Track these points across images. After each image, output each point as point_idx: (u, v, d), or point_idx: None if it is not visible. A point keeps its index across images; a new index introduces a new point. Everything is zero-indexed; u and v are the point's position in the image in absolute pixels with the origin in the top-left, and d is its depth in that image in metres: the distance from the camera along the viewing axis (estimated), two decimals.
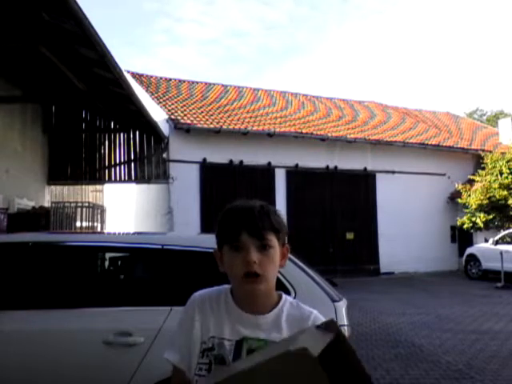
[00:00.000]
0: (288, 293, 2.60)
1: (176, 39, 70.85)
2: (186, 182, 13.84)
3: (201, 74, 72.84)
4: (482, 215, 15.52)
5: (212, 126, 14.24)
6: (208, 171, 14.20)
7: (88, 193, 17.34)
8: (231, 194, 14.07)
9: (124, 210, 18.57)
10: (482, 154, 16.95)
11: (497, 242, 13.44)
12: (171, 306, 2.48)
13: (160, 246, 2.89)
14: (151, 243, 2.99)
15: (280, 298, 1.23)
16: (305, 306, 1.24)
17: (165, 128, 13.74)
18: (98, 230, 12.56)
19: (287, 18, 69.14)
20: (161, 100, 15.45)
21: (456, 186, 16.54)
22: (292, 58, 72.26)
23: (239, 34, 70.38)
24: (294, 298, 2.59)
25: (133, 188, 17.00)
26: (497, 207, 15.42)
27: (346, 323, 2.57)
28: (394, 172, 16.64)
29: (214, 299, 1.23)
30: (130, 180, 14.12)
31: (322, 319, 1.17)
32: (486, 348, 5.91)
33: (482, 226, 15.56)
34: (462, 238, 17.17)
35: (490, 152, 16.90)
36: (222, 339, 1.16)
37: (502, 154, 16.15)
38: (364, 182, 16.36)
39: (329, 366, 0.87)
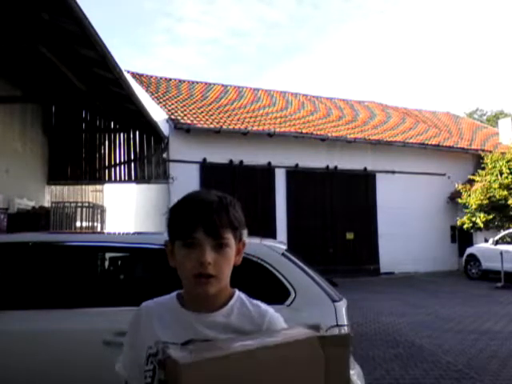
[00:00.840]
0: (288, 293, 2.60)
1: (176, 39, 70.95)
2: (186, 182, 13.81)
3: (201, 73, 72.94)
4: (482, 215, 15.52)
5: (212, 126, 14.25)
6: (208, 171, 14.19)
7: (88, 193, 17.33)
8: (231, 194, 14.00)
9: (124, 209, 18.58)
10: (482, 154, 16.95)
11: (497, 242, 13.43)
12: None
13: (160, 246, 2.89)
14: (151, 243, 2.99)
15: (232, 295, 1.15)
16: (261, 303, 1.17)
17: (165, 128, 13.74)
18: (98, 229, 12.56)
19: (288, 18, 69.22)
20: (161, 100, 15.45)
21: (456, 186, 16.54)
22: (292, 57, 72.34)
23: (240, 33, 70.48)
24: (295, 298, 2.59)
25: (133, 188, 17.01)
26: (497, 207, 15.42)
27: (345, 323, 2.57)
28: (394, 172, 16.64)
29: (160, 305, 1.17)
30: (130, 180, 14.12)
31: (277, 318, 1.14)
32: (486, 348, 5.91)
33: (481, 225, 15.56)
34: (462, 237, 17.17)
35: (490, 152, 16.91)
36: (166, 343, 1.05)
37: (502, 154, 16.15)
38: (364, 182, 16.36)
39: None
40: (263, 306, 1.17)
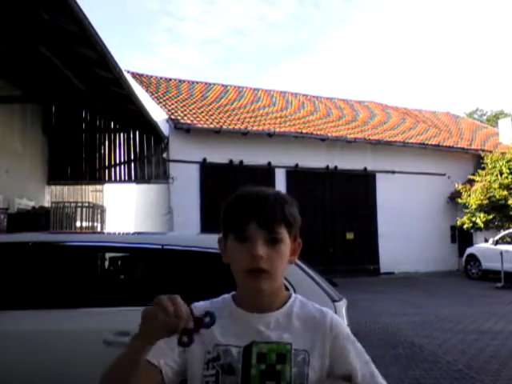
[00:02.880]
0: None
1: (178, 38, 70.94)
2: (186, 182, 13.84)
3: (202, 73, 72.93)
4: (482, 215, 15.52)
5: (212, 126, 14.24)
6: (208, 171, 14.19)
7: (88, 193, 17.32)
8: (231, 195, 14.04)
9: (124, 210, 18.57)
10: (482, 154, 16.95)
11: (497, 242, 13.43)
12: None
13: (160, 246, 2.90)
14: (151, 243, 3.00)
15: (289, 297, 1.13)
16: (316, 304, 1.15)
17: (165, 128, 13.73)
18: (98, 229, 12.56)
19: (289, 17, 69.09)
20: (161, 100, 15.45)
21: (456, 186, 16.54)
22: (293, 57, 72.36)
23: (241, 33, 70.43)
24: None
25: (133, 188, 17.01)
26: (497, 207, 15.42)
27: (345, 323, 2.57)
28: (394, 172, 16.64)
29: (215, 307, 1.10)
30: (130, 180, 14.12)
31: (338, 319, 1.12)
32: (486, 348, 5.91)
33: (482, 225, 15.56)
34: (462, 237, 17.17)
35: (490, 152, 16.90)
36: (227, 346, 1.05)
37: (502, 154, 16.15)
38: (364, 182, 16.36)
39: None
40: (319, 306, 1.15)
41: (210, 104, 16.46)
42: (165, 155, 13.81)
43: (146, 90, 15.77)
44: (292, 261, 1.11)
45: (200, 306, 1.12)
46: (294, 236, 1.09)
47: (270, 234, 1.03)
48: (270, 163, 15.01)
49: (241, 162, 14.61)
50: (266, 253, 1.01)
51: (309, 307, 1.12)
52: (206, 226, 13.44)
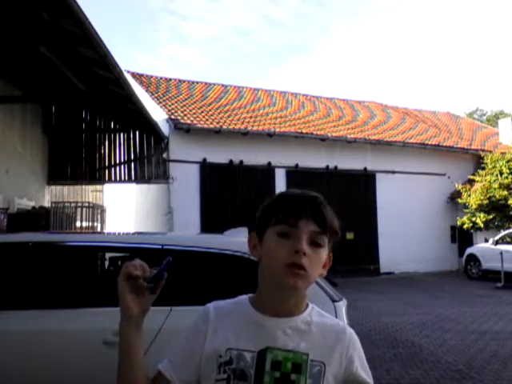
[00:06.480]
0: None
1: (181, 37, 70.99)
2: (186, 181, 13.84)
3: (204, 72, 72.88)
4: (482, 215, 15.52)
5: (212, 126, 14.24)
6: (208, 171, 14.19)
7: (88, 193, 17.33)
8: (231, 194, 14.06)
9: (124, 209, 18.58)
10: (482, 154, 16.95)
11: (497, 242, 13.43)
12: (171, 306, 2.48)
13: (160, 246, 2.90)
14: (151, 243, 2.99)
15: (307, 305, 1.09)
16: (330, 315, 1.12)
17: (165, 128, 13.74)
18: (98, 229, 12.56)
19: (293, 16, 69.09)
20: (161, 100, 15.45)
21: (456, 186, 16.54)
22: (296, 56, 72.36)
23: (244, 32, 70.44)
24: None
25: (133, 188, 17.01)
26: (497, 207, 15.41)
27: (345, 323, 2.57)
28: (394, 172, 16.64)
29: (231, 308, 1.08)
30: (130, 180, 14.13)
31: (354, 335, 1.09)
32: (485, 348, 5.91)
33: (482, 225, 15.56)
34: (462, 237, 17.17)
35: (490, 152, 16.91)
36: (240, 351, 1.00)
37: (502, 153, 16.16)
38: (364, 182, 16.35)
39: None
40: (338, 320, 1.13)
41: (210, 104, 16.46)
42: (165, 155, 13.82)
43: (146, 90, 15.77)
44: (322, 274, 1.06)
45: (219, 304, 1.11)
46: (330, 248, 1.06)
47: (317, 235, 1.00)
48: (270, 163, 15.01)
49: (241, 162, 14.61)
50: (308, 252, 0.98)
51: (327, 318, 1.09)
52: (206, 226, 13.46)
